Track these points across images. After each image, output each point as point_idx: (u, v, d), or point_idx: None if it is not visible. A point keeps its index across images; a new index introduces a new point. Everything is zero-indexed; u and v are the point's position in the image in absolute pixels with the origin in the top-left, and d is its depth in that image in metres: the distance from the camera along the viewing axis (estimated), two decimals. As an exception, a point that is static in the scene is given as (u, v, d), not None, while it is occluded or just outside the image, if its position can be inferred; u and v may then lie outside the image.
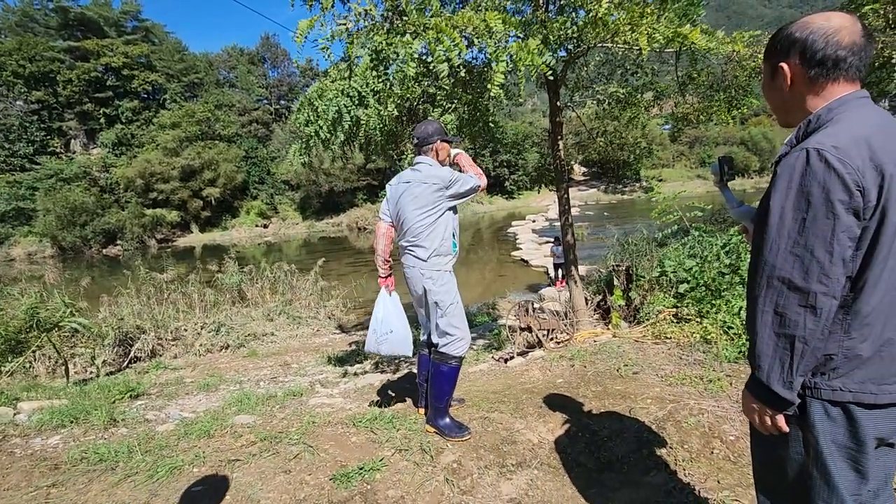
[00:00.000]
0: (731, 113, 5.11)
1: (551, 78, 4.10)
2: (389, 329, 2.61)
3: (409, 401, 3.06)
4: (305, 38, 2.77)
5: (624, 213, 27.86)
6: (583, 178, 49.65)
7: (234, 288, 10.69)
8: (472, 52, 3.37)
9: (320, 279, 11.30)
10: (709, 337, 3.46)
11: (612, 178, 47.86)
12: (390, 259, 2.71)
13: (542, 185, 5.70)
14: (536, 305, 5.86)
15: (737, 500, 1.88)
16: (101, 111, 39.48)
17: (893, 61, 5.60)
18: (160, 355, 7.77)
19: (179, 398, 4.71)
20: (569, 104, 5.70)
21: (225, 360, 7.55)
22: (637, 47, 3.42)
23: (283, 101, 49.47)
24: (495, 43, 2.72)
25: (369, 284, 13.85)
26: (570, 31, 3.61)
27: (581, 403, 2.69)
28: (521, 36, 2.86)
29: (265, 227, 39.77)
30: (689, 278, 4.57)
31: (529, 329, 4.45)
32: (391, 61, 2.78)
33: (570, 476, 2.12)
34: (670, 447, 2.23)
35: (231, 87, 47.28)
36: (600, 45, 4.04)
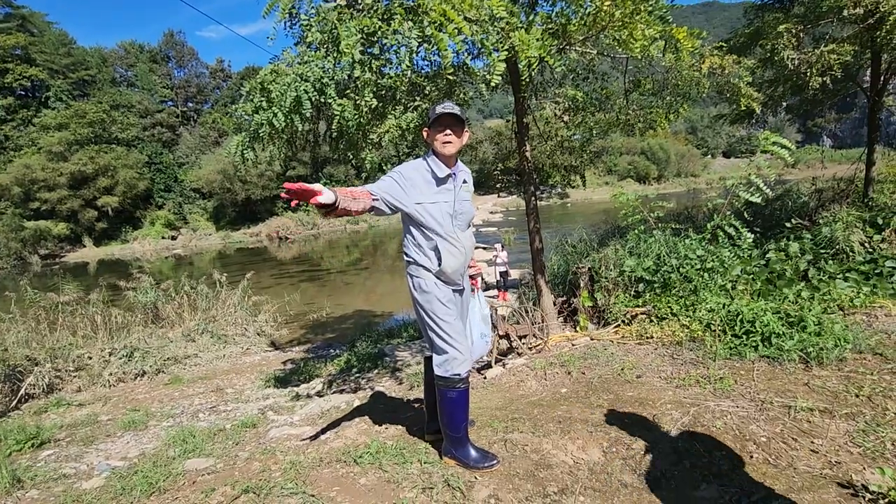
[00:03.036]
0: (667, 118, 5.34)
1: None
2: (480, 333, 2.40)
3: (402, 428, 2.70)
4: (288, 14, 2.36)
5: (545, 218, 28.96)
6: (504, 185, 51.12)
7: (148, 307, 9.48)
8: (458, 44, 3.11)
9: (250, 292, 10.39)
10: (694, 335, 3.47)
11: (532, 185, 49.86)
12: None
13: (502, 191, 5.51)
14: (500, 312, 5.69)
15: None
16: (-36, 108, 34.18)
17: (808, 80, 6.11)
18: (59, 389, 6.60)
19: (100, 442, 3.92)
20: (529, 106, 5.63)
21: (143, 390, 6.59)
22: (622, 49, 3.35)
23: (190, 104, 45.98)
24: (497, 31, 2.49)
25: (302, 297, 13.00)
26: (552, 26, 3.48)
27: (599, 414, 2.51)
28: (521, 26, 2.67)
29: (173, 238, 36.49)
30: (648, 277, 4.65)
31: (508, 336, 4.24)
32: (387, 45, 2.45)
33: (620, 499, 1.91)
34: (709, 455, 2.10)
35: (130, 87, 43.10)
36: (574, 45, 3.96)
